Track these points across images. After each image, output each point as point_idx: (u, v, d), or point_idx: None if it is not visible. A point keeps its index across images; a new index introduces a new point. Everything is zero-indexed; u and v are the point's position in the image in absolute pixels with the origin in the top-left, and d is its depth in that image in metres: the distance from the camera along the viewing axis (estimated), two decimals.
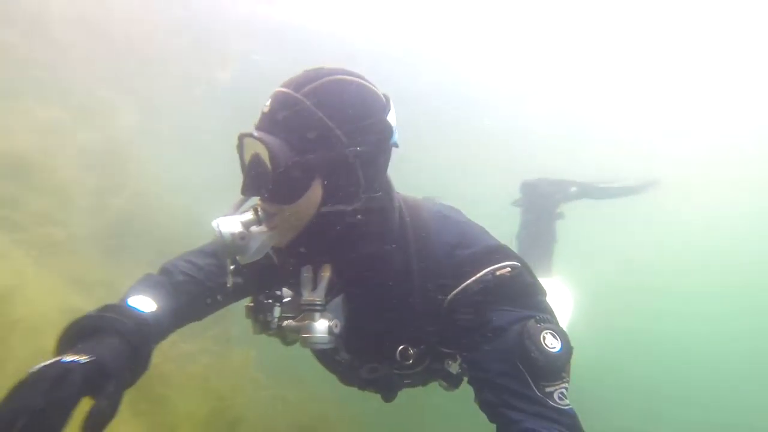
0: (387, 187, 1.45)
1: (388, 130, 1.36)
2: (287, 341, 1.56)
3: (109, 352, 1.12)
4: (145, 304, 1.38)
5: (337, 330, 1.41)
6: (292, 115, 1.28)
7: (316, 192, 1.31)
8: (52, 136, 5.38)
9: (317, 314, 1.40)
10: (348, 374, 1.75)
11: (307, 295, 1.42)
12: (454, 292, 1.39)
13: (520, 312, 1.34)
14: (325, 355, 1.73)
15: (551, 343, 1.27)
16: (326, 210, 1.33)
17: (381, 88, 1.42)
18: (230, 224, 1.33)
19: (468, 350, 1.42)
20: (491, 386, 1.31)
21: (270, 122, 1.30)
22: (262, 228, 1.36)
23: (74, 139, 5.71)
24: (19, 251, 3.91)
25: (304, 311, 1.42)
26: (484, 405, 1.33)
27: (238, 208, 1.43)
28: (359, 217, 1.36)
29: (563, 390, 1.27)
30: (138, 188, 6.16)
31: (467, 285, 1.37)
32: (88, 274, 4.46)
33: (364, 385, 1.75)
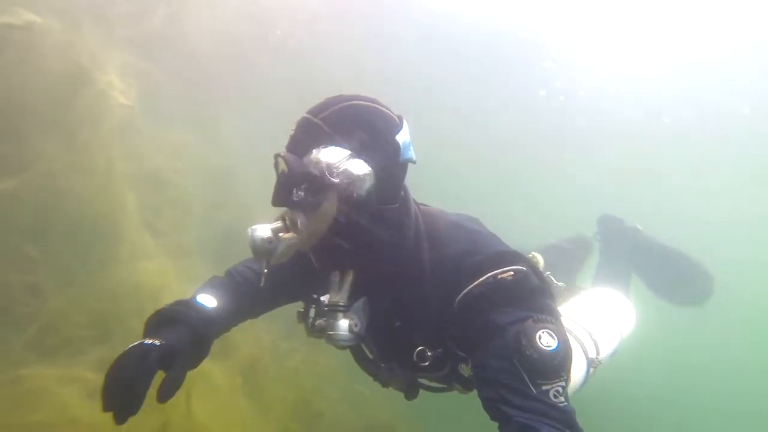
0: (404, 199, 1.55)
1: (396, 149, 1.47)
2: (338, 345, 1.62)
3: (178, 338, 1.42)
4: (208, 301, 1.64)
5: (357, 329, 1.53)
6: (311, 137, 1.43)
7: (331, 204, 1.43)
8: (181, 155, 6.38)
9: (340, 314, 1.54)
10: (371, 371, 1.84)
11: (333, 297, 1.56)
12: (460, 295, 1.47)
13: (519, 313, 1.39)
14: (358, 355, 1.87)
15: (547, 342, 1.31)
16: (341, 219, 1.44)
17: (396, 110, 1.54)
18: (261, 230, 1.49)
19: (471, 350, 1.49)
20: (490, 383, 1.37)
21: (294, 143, 1.47)
22: (289, 234, 1.50)
23: (196, 159, 6.72)
24: (161, 254, 4.82)
25: (329, 312, 1.56)
26: (484, 402, 1.40)
27: (279, 218, 1.59)
28: (373, 226, 1.47)
29: (559, 388, 1.31)
30: (240, 205, 7.10)
31: (471, 288, 1.45)
32: (204, 276, 5.31)
33: (385, 383, 1.82)
